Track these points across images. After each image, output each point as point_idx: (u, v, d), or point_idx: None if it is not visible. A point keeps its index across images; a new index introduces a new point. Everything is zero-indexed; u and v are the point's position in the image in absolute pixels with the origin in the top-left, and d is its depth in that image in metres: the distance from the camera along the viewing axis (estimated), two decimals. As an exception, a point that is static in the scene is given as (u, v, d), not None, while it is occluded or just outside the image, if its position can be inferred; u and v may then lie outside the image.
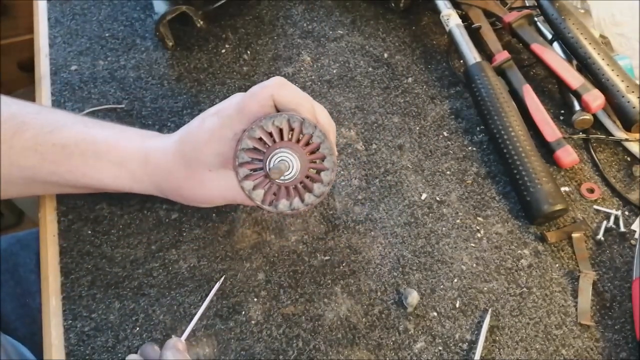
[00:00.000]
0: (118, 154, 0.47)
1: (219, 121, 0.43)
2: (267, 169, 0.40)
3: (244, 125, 0.41)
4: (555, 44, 0.65)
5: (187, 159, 0.45)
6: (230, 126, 0.42)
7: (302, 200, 0.41)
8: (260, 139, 0.40)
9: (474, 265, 0.52)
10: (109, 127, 0.49)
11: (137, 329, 0.47)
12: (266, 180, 0.41)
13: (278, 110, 0.42)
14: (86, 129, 0.48)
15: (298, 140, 0.40)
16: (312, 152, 0.41)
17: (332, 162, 0.40)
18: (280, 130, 0.40)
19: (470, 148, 0.59)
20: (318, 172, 0.41)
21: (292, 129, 0.40)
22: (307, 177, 0.41)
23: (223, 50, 0.66)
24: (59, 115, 0.49)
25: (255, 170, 0.41)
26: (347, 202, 0.55)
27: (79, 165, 0.46)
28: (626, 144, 0.60)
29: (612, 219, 0.54)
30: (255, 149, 0.40)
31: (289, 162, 0.39)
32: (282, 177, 0.40)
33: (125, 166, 0.47)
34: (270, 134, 0.40)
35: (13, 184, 0.48)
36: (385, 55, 0.67)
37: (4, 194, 0.49)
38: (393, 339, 0.47)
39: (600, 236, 0.53)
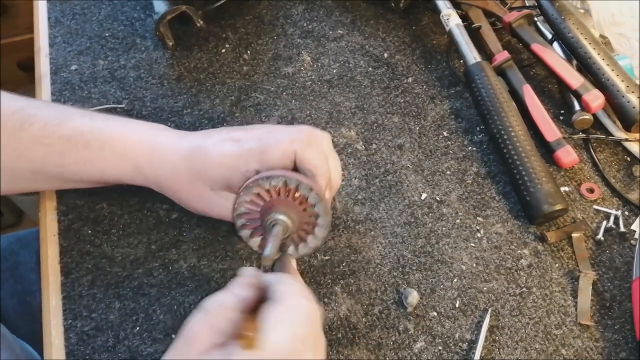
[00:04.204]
0: (123, 144, 0.47)
1: (238, 151, 0.44)
2: (266, 229, 0.42)
3: (259, 165, 0.43)
4: (555, 44, 0.65)
5: (194, 171, 0.45)
6: (246, 160, 0.43)
7: (297, 250, 0.44)
8: (259, 194, 0.42)
9: (474, 265, 0.52)
10: (116, 120, 0.50)
11: (137, 328, 0.47)
12: (262, 230, 0.43)
13: (295, 163, 0.43)
14: (92, 121, 0.48)
15: (294, 198, 0.42)
16: (309, 207, 0.42)
17: (326, 221, 0.42)
18: (277, 188, 0.41)
19: (470, 148, 0.59)
20: (313, 226, 0.43)
21: (287, 188, 0.41)
22: (303, 229, 0.43)
23: (223, 50, 0.66)
24: (66, 109, 0.50)
25: (251, 220, 0.43)
26: (347, 202, 0.55)
27: (84, 155, 0.47)
28: (626, 144, 0.60)
29: (611, 218, 0.54)
30: (252, 201, 0.42)
31: (283, 226, 0.41)
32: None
33: (130, 156, 0.47)
34: (268, 191, 0.41)
35: (20, 177, 0.48)
36: (385, 55, 0.67)
37: (11, 189, 0.49)
38: (393, 339, 0.47)
39: (600, 236, 0.53)
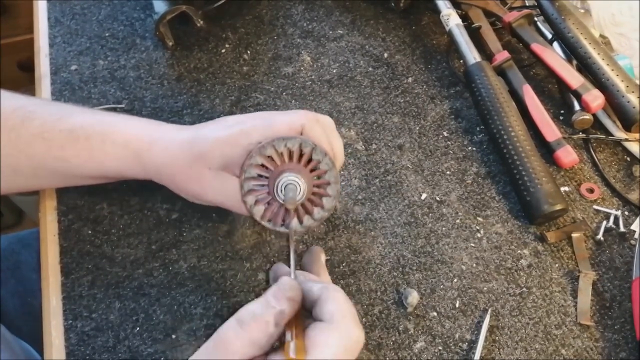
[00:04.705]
0: (124, 136, 0.47)
1: (239, 128, 0.44)
2: (276, 193, 0.41)
3: (263, 139, 0.42)
4: (555, 44, 0.65)
5: (193, 154, 0.45)
6: (250, 134, 0.42)
7: (301, 222, 0.42)
8: (270, 157, 0.40)
9: (474, 265, 0.52)
10: (116, 115, 0.50)
11: (138, 328, 0.47)
12: (268, 198, 0.42)
13: None
14: (93, 116, 0.48)
15: (306, 164, 0.41)
16: (317, 177, 0.42)
17: (336, 190, 0.41)
18: (290, 152, 0.40)
19: (470, 148, 0.59)
20: (320, 197, 0.42)
21: (302, 153, 0.41)
22: (309, 200, 0.42)
23: (223, 50, 0.66)
24: (66, 106, 0.51)
25: (259, 186, 0.42)
26: (347, 202, 0.55)
27: (85, 148, 0.47)
28: (626, 144, 0.60)
29: (611, 219, 0.54)
30: (263, 166, 0.41)
31: (297, 186, 0.40)
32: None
33: (130, 147, 0.47)
34: (281, 154, 0.40)
35: (21, 174, 0.48)
36: (385, 55, 0.67)
37: (11, 186, 0.49)
38: (393, 339, 0.47)
39: (600, 236, 0.53)
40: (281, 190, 0.40)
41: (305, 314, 0.37)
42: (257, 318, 0.34)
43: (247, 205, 0.41)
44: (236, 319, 0.34)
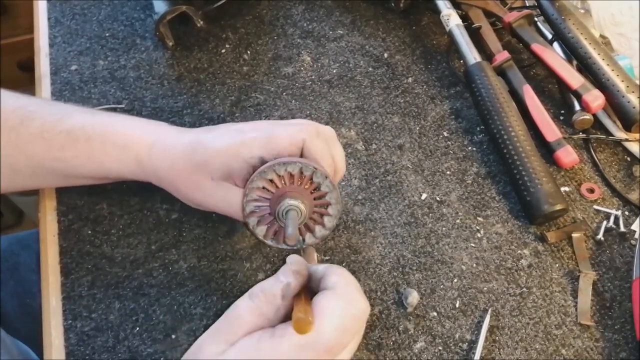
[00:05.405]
0: (123, 137, 0.47)
1: (240, 139, 0.44)
2: (278, 218, 0.41)
3: (264, 152, 0.42)
4: (555, 44, 0.65)
5: (194, 162, 0.45)
6: (250, 147, 0.43)
7: (303, 240, 0.43)
8: (271, 180, 0.41)
9: (474, 265, 0.52)
10: (117, 116, 0.50)
11: (137, 328, 0.47)
12: (270, 218, 0.42)
13: (302, 153, 0.43)
14: (93, 117, 0.48)
15: (307, 185, 0.41)
16: (319, 197, 0.42)
17: (337, 210, 0.42)
18: (291, 175, 0.41)
19: (470, 148, 0.59)
20: (322, 215, 0.43)
21: (302, 176, 0.41)
22: (311, 218, 0.43)
23: (223, 50, 0.66)
24: (66, 106, 0.51)
25: (262, 207, 0.43)
26: (347, 202, 0.55)
27: (84, 149, 0.47)
28: (626, 144, 0.60)
29: (612, 219, 0.54)
30: (264, 188, 0.42)
31: (297, 212, 0.41)
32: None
33: (130, 149, 0.47)
34: (282, 177, 0.41)
35: (19, 173, 0.48)
36: (385, 55, 0.67)
37: (10, 185, 0.49)
38: (393, 339, 0.47)
39: (600, 236, 0.53)
40: (282, 215, 0.41)
41: (312, 294, 0.38)
42: (266, 291, 0.36)
43: (250, 226, 0.43)
44: (248, 293, 0.36)
